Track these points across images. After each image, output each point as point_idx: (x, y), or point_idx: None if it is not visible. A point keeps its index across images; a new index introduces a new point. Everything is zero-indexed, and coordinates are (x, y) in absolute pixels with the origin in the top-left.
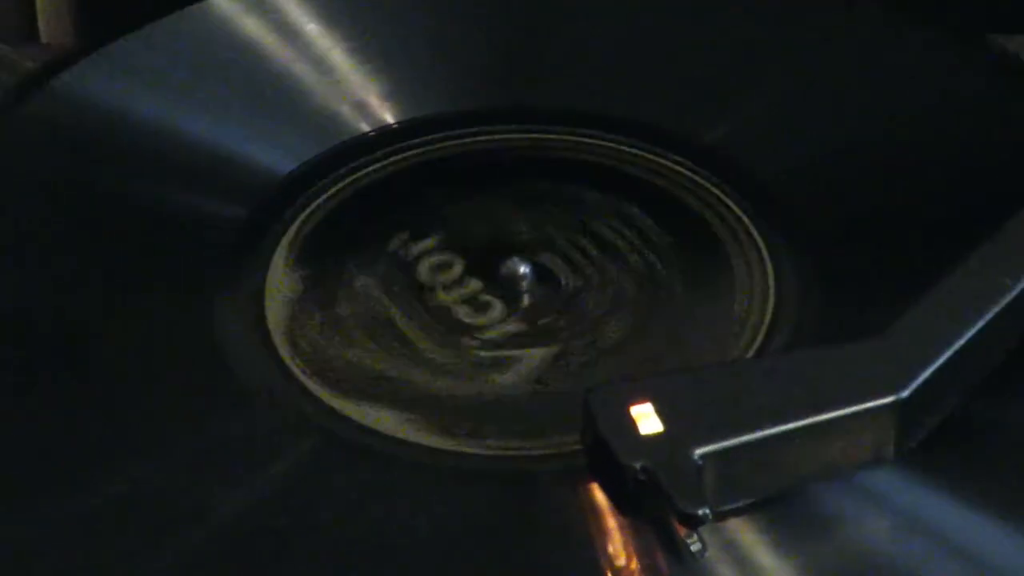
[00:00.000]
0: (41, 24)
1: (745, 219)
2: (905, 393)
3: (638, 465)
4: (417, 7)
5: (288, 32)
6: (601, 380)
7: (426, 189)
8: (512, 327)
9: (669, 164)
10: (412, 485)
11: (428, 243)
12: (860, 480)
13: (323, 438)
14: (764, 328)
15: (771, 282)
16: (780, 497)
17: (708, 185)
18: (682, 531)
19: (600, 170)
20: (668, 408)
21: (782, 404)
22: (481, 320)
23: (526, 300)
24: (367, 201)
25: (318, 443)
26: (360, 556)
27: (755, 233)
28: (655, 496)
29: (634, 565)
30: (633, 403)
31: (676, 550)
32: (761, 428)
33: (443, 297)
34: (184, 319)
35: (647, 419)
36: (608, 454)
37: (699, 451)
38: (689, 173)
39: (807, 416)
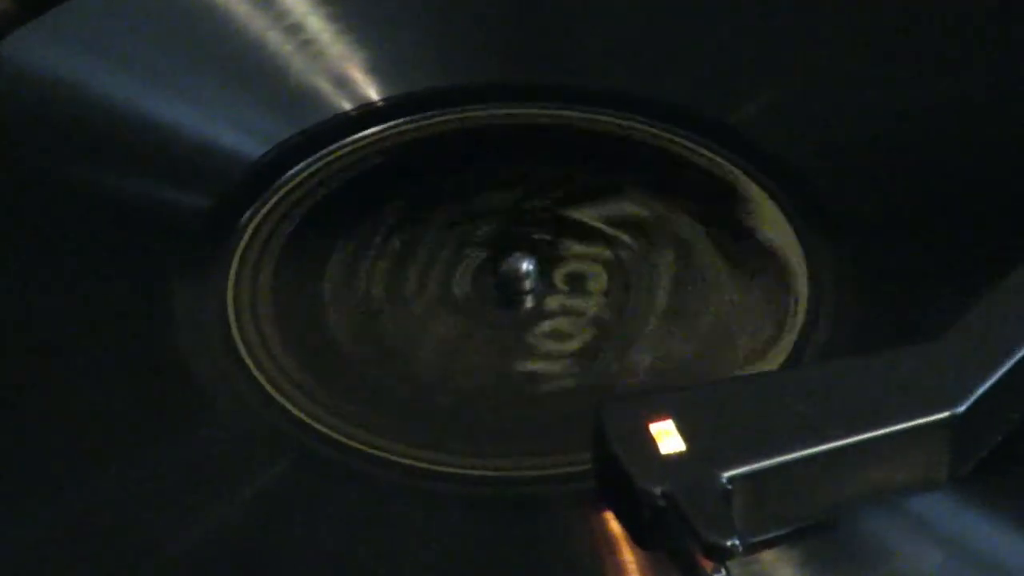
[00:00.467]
0: None
1: (774, 208)
2: (961, 408)
3: (657, 490)
4: None
5: None
6: (615, 392)
7: (415, 174)
8: (518, 328)
9: (688, 145)
10: (398, 511)
11: (420, 234)
12: (910, 506)
13: (298, 457)
14: (796, 332)
15: (804, 279)
16: (819, 526)
17: (732, 170)
18: (708, 565)
19: (610, 153)
20: (691, 425)
21: (821, 420)
22: (485, 320)
23: (529, 302)
24: (348, 188)
25: (292, 463)
26: None
27: (786, 223)
28: (677, 525)
29: None
30: (651, 419)
31: None
32: (797, 448)
33: (439, 294)
34: (139, 323)
35: (668, 437)
36: (623, 477)
37: (727, 474)
38: (711, 156)
39: (849, 434)
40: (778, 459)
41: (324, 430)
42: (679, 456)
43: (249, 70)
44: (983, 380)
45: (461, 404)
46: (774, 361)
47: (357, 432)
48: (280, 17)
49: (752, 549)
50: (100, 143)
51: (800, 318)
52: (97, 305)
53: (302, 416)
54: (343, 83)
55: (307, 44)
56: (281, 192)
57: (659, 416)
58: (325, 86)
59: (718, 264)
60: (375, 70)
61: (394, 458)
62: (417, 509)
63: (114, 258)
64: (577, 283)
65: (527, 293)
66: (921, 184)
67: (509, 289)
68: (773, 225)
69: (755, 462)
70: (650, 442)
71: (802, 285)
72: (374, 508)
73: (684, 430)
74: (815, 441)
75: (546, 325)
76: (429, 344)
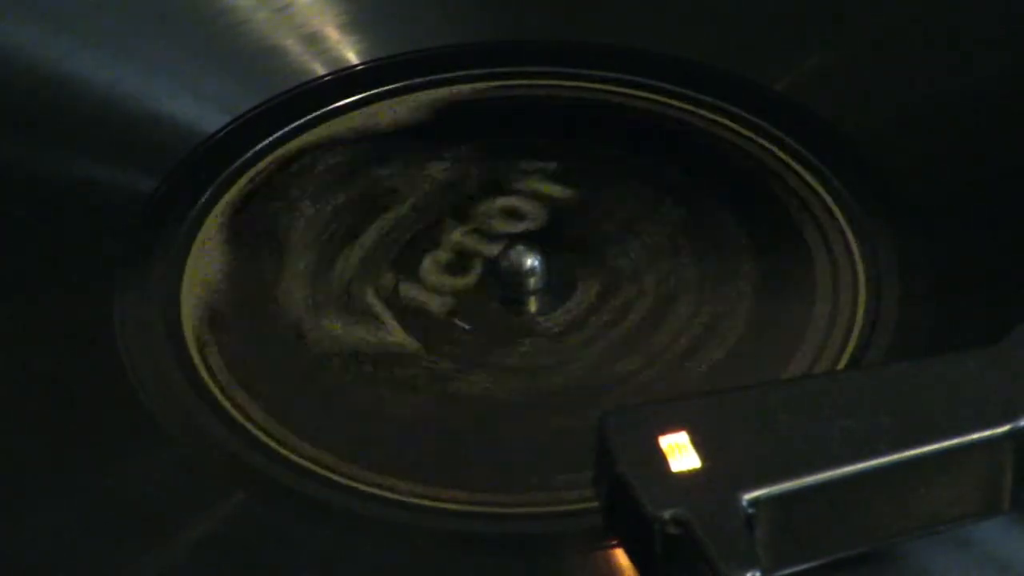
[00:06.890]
0: None
1: (823, 189)
2: None
3: (668, 514)
4: None
5: None
6: (620, 402)
7: (398, 150)
8: (522, 329)
9: (725, 117)
10: (375, 552)
11: (403, 220)
12: (968, 537)
13: (258, 488)
14: (855, 335)
15: (860, 271)
16: (857, 560)
17: (775, 146)
18: None
19: (635, 124)
20: (708, 438)
21: (860, 434)
22: (484, 331)
23: (534, 303)
24: (323, 169)
25: (251, 495)
26: None
27: (836, 207)
28: (691, 555)
29: None
30: (663, 431)
31: None
32: (832, 466)
33: (425, 291)
34: (73, 332)
35: (681, 453)
36: (629, 500)
37: (749, 496)
38: (751, 129)
39: (894, 450)
40: (809, 479)
41: (294, 457)
42: (694, 475)
43: (202, 27)
44: None
45: (453, 428)
46: (815, 367)
47: (329, 459)
48: None
49: None
50: (24, 113)
51: (855, 318)
52: (21, 311)
53: (268, 441)
54: (314, 43)
55: None
56: (243, 175)
57: (671, 428)
58: (293, 47)
59: (753, 252)
60: (353, 28)
61: (372, 490)
62: (396, 548)
63: (41, 253)
64: (586, 279)
65: (532, 293)
66: (995, 166)
67: (512, 289)
68: (819, 209)
69: (782, 482)
70: (661, 458)
71: (857, 278)
72: (349, 548)
73: (700, 444)
74: (853, 458)
75: (545, 322)
76: (418, 349)
